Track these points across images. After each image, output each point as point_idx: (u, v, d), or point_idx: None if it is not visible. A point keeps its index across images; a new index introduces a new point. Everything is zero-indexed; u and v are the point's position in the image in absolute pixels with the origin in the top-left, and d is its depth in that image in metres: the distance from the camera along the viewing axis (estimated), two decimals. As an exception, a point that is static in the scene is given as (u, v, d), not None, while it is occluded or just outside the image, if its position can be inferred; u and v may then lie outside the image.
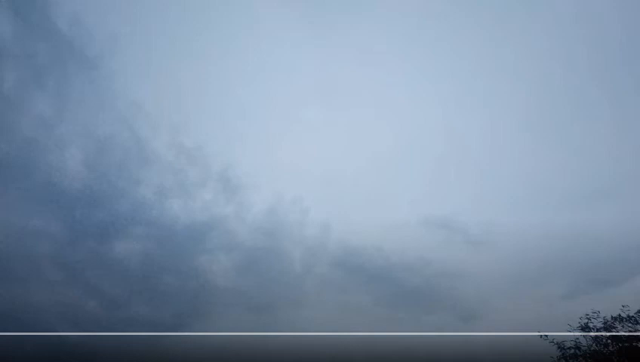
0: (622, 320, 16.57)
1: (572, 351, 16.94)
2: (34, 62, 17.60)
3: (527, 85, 23.57)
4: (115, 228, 19.02)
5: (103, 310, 18.57)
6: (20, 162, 17.55)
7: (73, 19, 17.43)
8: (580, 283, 20.20)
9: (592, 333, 16.69)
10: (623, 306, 16.78)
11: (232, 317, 20.22)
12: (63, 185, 18.68)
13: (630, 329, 16.10)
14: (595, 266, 21.14)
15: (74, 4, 18.99)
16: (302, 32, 22.98)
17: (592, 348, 16.65)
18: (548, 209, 23.32)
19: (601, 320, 16.94)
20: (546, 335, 17.30)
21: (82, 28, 18.00)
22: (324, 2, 23.07)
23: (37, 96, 17.68)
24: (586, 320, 17.16)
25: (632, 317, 16.52)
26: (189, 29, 20.40)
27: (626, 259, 20.63)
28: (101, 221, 18.92)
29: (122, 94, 18.67)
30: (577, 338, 17.03)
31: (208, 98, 19.84)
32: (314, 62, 22.21)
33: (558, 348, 17.17)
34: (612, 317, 16.74)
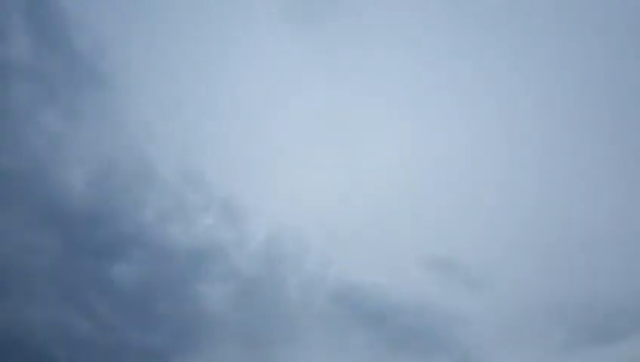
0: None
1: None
2: (46, 78, 17.93)
3: (539, 126, 23.79)
4: (115, 250, 18.91)
5: (97, 332, 18.22)
6: (23, 177, 17.58)
7: (86, 36, 17.78)
8: (581, 333, 19.91)
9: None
10: None
11: (227, 351, 19.75)
12: (64, 203, 18.68)
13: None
14: (596, 316, 20.90)
15: (88, 22, 19.43)
16: (308, 71, 23.63)
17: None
18: (549, 252, 23.27)
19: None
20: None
21: (95, 46, 18.41)
22: (334, 47, 23.83)
23: (46, 112, 17.96)
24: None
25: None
26: (201, 56, 20.88)
27: (630, 309, 20.38)
28: (101, 241, 18.82)
29: (131, 115, 18.95)
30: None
31: (214, 124, 20.10)
32: (317, 98, 22.64)
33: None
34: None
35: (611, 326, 19.08)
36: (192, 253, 19.94)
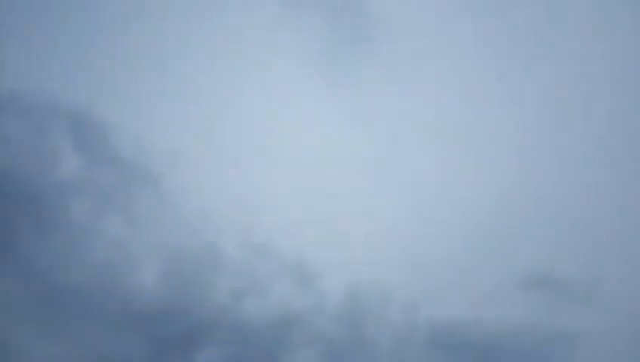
0: None
1: None
2: (99, 189, 18.06)
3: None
4: (195, 339, 18.42)
5: None
6: (95, 288, 17.53)
7: (134, 141, 17.94)
8: None
9: None
10: None
11: None
12: (139, 304, 18.46)
13: None
14: None
15: (133, 127, 19.57)
16: (363, 124, 22.84)
17: None
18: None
19: None
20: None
21: (138, 147, 18.59)
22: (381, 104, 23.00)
23: (106, 221, 18.06)
24: None
25: None
26: (244, 127, 20.46)
27: None
28: (180, 334, 18.45)
29: (186, 202, 18.68)
30: None
31: (270, 188, 19.42)
32: (380, 150, 21.59)
33: None
34: None
35: None
36: (271, 325, 19.24)
